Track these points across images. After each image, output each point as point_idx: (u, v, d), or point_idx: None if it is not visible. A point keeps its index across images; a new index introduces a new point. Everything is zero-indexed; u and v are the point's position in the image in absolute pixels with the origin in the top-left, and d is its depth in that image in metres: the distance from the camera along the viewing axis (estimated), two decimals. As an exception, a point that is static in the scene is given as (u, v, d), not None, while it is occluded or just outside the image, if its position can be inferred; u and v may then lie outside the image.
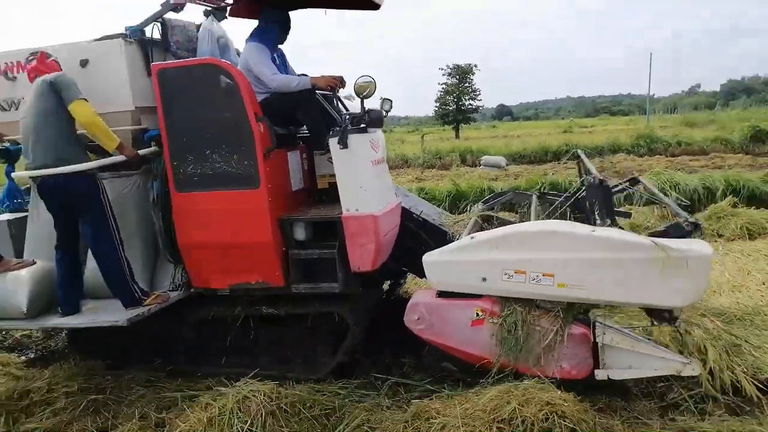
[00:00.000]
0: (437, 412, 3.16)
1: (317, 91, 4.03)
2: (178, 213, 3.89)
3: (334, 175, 4.09)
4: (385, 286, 5.24)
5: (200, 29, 4.33)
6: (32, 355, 4.88)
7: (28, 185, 4.75)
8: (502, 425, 2.90)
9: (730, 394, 3.43)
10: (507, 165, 16.31)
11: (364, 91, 3.69)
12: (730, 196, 8.15)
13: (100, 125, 3.60)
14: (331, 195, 4.11)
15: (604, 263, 3.26)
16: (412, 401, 3.44)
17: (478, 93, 39.84)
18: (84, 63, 3.97)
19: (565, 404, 2.93)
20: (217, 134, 3.75)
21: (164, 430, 3.44)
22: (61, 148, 3.60)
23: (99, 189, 3.71)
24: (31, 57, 3.85)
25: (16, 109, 4.16)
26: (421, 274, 3.80)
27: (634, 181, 4.68)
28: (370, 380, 3.98)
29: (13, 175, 4.04)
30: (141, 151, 3.86)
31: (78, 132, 3.69)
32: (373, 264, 3.78)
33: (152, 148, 3.94)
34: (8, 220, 4.50)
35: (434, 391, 3.61)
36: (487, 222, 4.74)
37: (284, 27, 4.24)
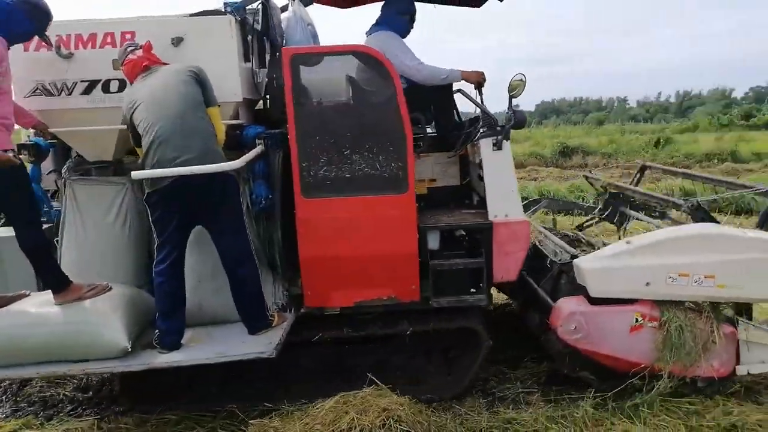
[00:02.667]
0: (276, 430, 3.15)
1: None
2: (303, 222, 3.38)
3: (434, 180, 3.85)
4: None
5: (289, 14, 3.79)
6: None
7: (55, 189, 3.86)
8: (343, 436, 2.95)
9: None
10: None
11: (515, 89, 3.47)
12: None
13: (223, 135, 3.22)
14: (426, 201, 3.88)
15: (762, 263, 3.40)
16: (250, 421, 3.30)
17: None
18: (177, 42, 3.31)
19: (401, 408, 3.07)
20: (361, 132, 3.32)
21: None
22: (212, 141, 3.05)
23: (240, 190, 3.12)
24: (132, 47, 3.21)
25: (68, 94, 3.33)
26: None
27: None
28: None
29: (145, 174, 2.98)
30: (251, 153, 3.27)
31: None
32: (518, 273, 3.58)
33: (258, 149, 3.36)
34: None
35: (274, 408, 3.44)
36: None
37: (413, 19, 3.89)
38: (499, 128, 3.40)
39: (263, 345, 3.12)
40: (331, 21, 3.83)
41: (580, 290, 3.73)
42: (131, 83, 3.18)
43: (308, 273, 3.46)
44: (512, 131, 3.48)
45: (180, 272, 3.17)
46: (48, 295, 3.26)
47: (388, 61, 3.26)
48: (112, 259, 3.50)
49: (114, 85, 3.35)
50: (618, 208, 5.13)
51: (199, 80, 3.10)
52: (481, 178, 4.07)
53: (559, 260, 4.26)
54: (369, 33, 3.86)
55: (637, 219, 4.95)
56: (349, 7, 4.23)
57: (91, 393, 4.05)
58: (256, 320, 3.30)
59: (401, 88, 3.27)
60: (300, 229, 3.38)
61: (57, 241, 3.75)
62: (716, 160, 16.45)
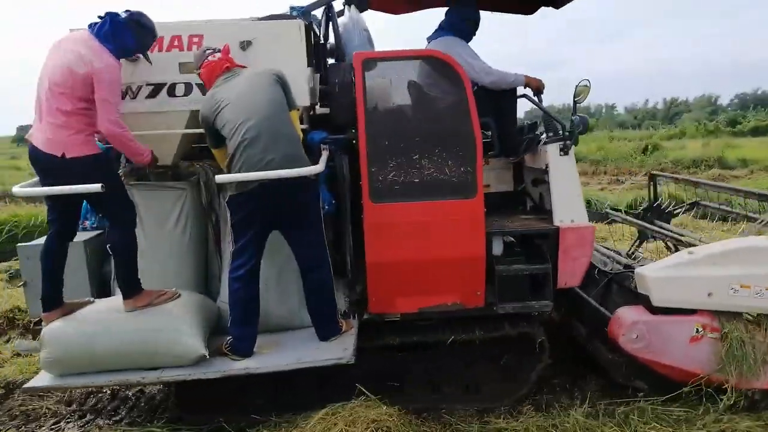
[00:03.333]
0: None
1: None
2: (371, 227, 3.34)
3: (488, 185, 3.85)
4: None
5: (345, 20, 3.78)
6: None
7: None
8: (332, 448, 2.93)
9: None
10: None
11: (580, 94, 3.48)
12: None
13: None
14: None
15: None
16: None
17: None
18: (245, 45, 3.27)
19: (390, 419, 3.03)
20: (431, 137, 3.30)
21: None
22: (299, 145, 3.03)
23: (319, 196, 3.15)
24: (210, 50, 3.16)
25: (133, 97, 3.29)
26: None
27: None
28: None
29: (232, 177, 2.95)
30: (324, 157, 3.25)
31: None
32: (582, 279, 3.56)
33: (326, 154, 3.33)
34: (84, 241, 3.52)
35: (261, 420, 3.38)
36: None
37: (477, 25, 3.90)
38: (567, 133, 3.40)
39: (339, 351, 3.08)
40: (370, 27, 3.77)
41: (630, 300, 3.75)
42: (210, 86, 3.14)
43: (374, 278, 3.43)
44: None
45: (257, 279, 3.12)
46: (113, 301, 3.21)
47: (460, 65, 3.26)
48: (173, 266, 3.45)
49: (180, 89, 3.30)
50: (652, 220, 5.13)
51: (282, 83, 3.07)
52: (535, 183, 4.08)
53: (611, 270, 4.28)
54: (432, 38, 3.86)
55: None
56: (402, 13, 4.23)
57: (74, 406, 3.95)
58: (327, 327, 3.27)
59: (472, 92, 3.27)
60: (368, 234, 3.35)
61: (109, 248, 3.70)
62: (703, 166, 16.60)
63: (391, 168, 3.31)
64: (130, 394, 4.06)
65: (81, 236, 3.65)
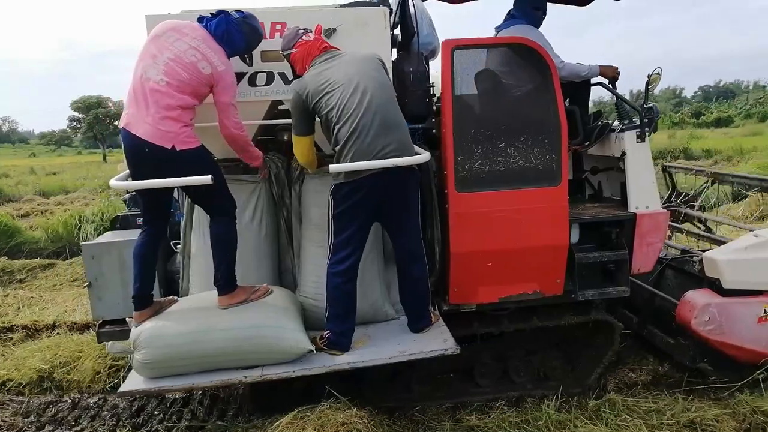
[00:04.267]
0: None
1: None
2: (456, 217, 3.32)
3: None
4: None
5: (412, 9, 3.72)
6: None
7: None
8: (299, 452, 2.94)
9: None
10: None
11: (653, 82, 3.53)
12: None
13: None
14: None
15: None
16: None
17: None
18: (330, 32, 3.18)
19: (360, 422, 3.00)
20: (517, 124, 3.31)
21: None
22: (408, 134, 2.97)
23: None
24: (303, 30, 3.07)
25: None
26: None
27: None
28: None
29: (346, 167, 2.82)
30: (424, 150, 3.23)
31: None
32: (653, 265, 3.62)
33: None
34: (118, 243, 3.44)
35: (226, 427, 3.48)
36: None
37: (545, 14, 3.91)
38: (646, 120, 3.44)
39: (439, 342, 3.05)
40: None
41: (691, 285, 3.84)
42: (303, 67, 3.03)
43: (458, 269, 3.41)
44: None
45: (356, 273, 3.05)
46: (203, 299, 3.10)
47: (548, 53, 3.26)
48: (252, 261, 3.34)
49: (261, 78, 3.21)
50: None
51: (386, 70, 3.01)
52: (594, 172, 4.12)
53: (665, 256, 4.37)
54: (504, 26, 3.84)
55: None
56: (460, 2, 4.20)
57: (33, 417, 3.83)
58: (421, 319, 3.23)
59: (558, 80, 3.28)
60: (453, 224, 3.33)
61: (174, 245, 3.56)
62: (669, 157, 17.08)
63: (477, 157, 3.30)
64: (92, 402, 3.98)
65: (113, 237, 3.54)
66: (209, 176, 2.68)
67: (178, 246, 3.59)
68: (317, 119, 3.02)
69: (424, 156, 2.94)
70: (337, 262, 2.99)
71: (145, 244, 2.93)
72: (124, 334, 3.46)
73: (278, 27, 3.18)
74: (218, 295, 2.97)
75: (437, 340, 3.08)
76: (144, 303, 2.94)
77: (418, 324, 3.23)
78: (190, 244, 3.44)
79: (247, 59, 3.09)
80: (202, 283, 3.34)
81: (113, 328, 3.47)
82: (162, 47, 2.81)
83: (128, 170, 2.85)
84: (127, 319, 3.09)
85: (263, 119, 3.32)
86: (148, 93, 2.74)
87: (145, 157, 2.72)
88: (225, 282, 2.96)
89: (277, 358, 2.87)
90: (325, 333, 3.07)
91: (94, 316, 3.46)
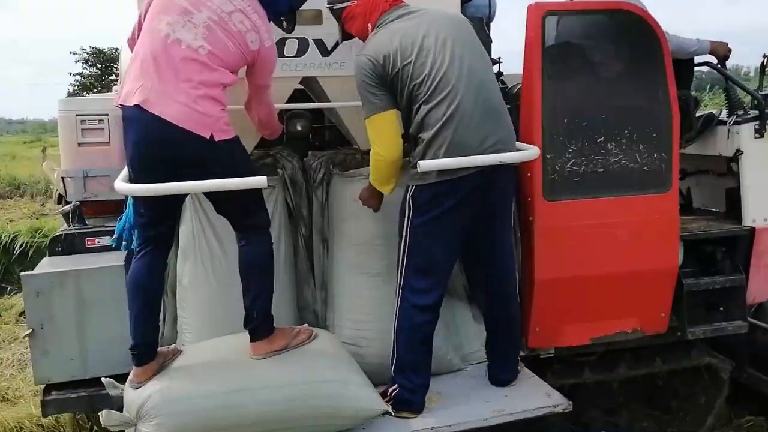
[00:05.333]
0: None
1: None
2: (544, 232, 3.29)
3: None
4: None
5: None
6: None
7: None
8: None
9: None
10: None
11: None
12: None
13: None
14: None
15: None
16: None
17: None
18: None
19: None
20: (620, 113, 3.31)
21: None
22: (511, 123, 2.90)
23: None
24: None
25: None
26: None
27: None
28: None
29: (442, 163, 2.70)
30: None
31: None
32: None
33: None
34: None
35: None
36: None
37: None
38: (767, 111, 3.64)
39: (540, 397, 2.99)
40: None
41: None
42: (366, 26, 2.91)
43: (543, 301, 3.32)
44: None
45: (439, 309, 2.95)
46: (218, 346, 2.91)
47: (658, 24, 3.38)
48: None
49: (290, 48, 3.10)
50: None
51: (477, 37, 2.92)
52: (683, 175, 4.30)
53: None
54: None
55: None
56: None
57: None
58: (511, 368, 3.15)
59: (671, 59, 3.41)
60: (539, 242, 3.26)
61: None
62: None
63: (571, 154, 3.25)
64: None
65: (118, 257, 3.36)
66: (264, 177, 2.49)
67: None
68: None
69: (534, 151, 2.91)
70: (418, 294, 2.82)
71: (147, 268, 2.66)
72: (82, 403, 3.25)
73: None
74: (251, 341, 2.73)
75: (538, 395, 2.99)
76: (149, 354, 2.63)
77: (505, 375, 3.11)
78: (178, 273, 3.29)
79: (288, 24, 2.93)
80: (202, 328, 3.11)
81: (66, 394, 3.23)
82: (199, 2, 2.59)
83: (127, 167, 2.71)
84: (103, 379, 2.89)
85: (286, 102, 3.22)
86: (179, 61, 2.50)
87: (168, 147, 2.49)
88: (262, 322, 2.73)
89: (339, 425, 2.66)
90: (391, 389, 2.88)
91: (36, 378, 3.22)
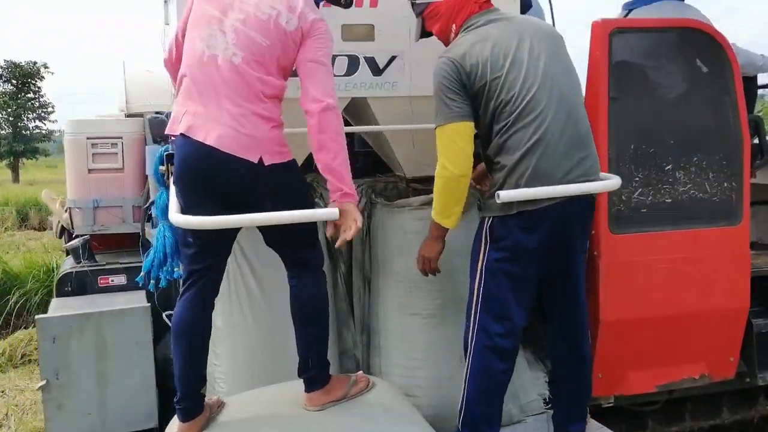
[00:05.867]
0: None
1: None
2: (610, 268, 3.07)
3: None
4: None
5: None
6: None
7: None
8: None
9: None
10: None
11: None
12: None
13: None
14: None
15: None
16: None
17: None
18: None
19: None
20: (688, 138, 3.14)
21: None
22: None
23: None
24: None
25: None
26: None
27: None
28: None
29: (517, 193, 2.45)
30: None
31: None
32: None
33: None
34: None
35: None
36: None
37: None
38: None
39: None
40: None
41: None
42: (449, 28, 2.70)
43: (608, 345, 3.09)
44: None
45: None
46: (265, 397, 2.63)
47: (728, 43, 3.21)
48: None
49: (340, 65, 2.87)
50: None
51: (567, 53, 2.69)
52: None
53: None
54: (639, 3, 3.70)
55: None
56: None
57: None
58: (581, 419, 2.88)
59: (741, 80, 3.24)
60: (605, 279, 3.05)
61: (170, 317, 3.12)
62: None
63: (637, 183, 3.08)
64: None
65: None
66: (335, 210, 2.26)
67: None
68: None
69: (617, 180, 2.66)
70: (495, 337, 2.58)
71: (193, 309, 2.37)
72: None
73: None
74: (307, 391, 2.47)
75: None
76: (196, 408, 2.35)
77: (575, 426, 2.86)
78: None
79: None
80: (238, 377, 2.85)
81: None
82: (225, 6, 2.33)
83: (177, 196, 2.44)
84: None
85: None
86: (218, 78, 2.27)
87: (215, 176, 2.26)
88: (319, 371, 2.48)
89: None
90: (460, 440, 2.58)
91: (56, 443, 2.89)
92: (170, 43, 2.56)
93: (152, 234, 3.35)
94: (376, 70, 2.95)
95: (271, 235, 2.47)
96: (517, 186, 2.46)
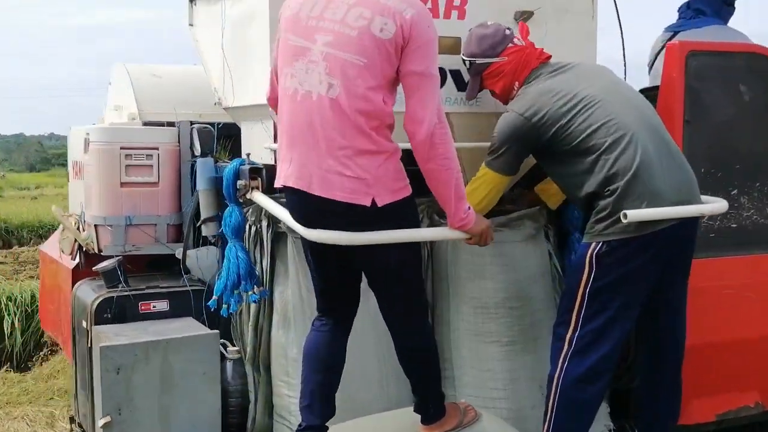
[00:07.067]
0: None
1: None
2: (684, 293, 3.14)
3: None
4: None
5: None
6: None
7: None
8: None
9: None
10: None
11: None
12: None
13: None
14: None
15: None
16: None
17: None
18: (525, 17, 2.98)
19: None
20: (751, 163, 3.27)
21: None
22: None
23: None
24: (510, 31, 2.83)
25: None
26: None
27: None
28: None
29: (644, 213, 2.46)
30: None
31: None
32: None
33: None
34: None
35: None
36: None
37: (732, 12, 3.96)
38: None
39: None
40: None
41: None
42: (513, 82, 2.79)
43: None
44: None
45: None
46: (368, 426, 2.66)
47: (797, 68, 3.27)
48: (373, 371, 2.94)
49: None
50: None
51: None
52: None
53: None
54: (686, 26, 3.80)
55: None
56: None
57: None
58: None
59: None
60: None
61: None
62: None
63: None
64: None
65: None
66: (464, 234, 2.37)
67: (229, 350, 2.98)
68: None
69: (725, 203, 2.75)
70: (590, 368, 2.60)
71: (330, 342, 2.48)
72: None
73: (456, 3, 2.83)
74: (423, 422, 2.49)
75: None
76: None
77: None
78: (279, 343, 2.86)
79: None
80: None
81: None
82: (310, 30, 2.19)
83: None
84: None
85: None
86: (316, 119, 2.16)
87: (331, 220, 2.23)
88: (437, 407, 2.52)
89: None
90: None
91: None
92: (270, 76, 2.47)
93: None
94: (462, 85, 2.94)
95: (377, 283, 2.46)
96: (635, 208, 2.48)
